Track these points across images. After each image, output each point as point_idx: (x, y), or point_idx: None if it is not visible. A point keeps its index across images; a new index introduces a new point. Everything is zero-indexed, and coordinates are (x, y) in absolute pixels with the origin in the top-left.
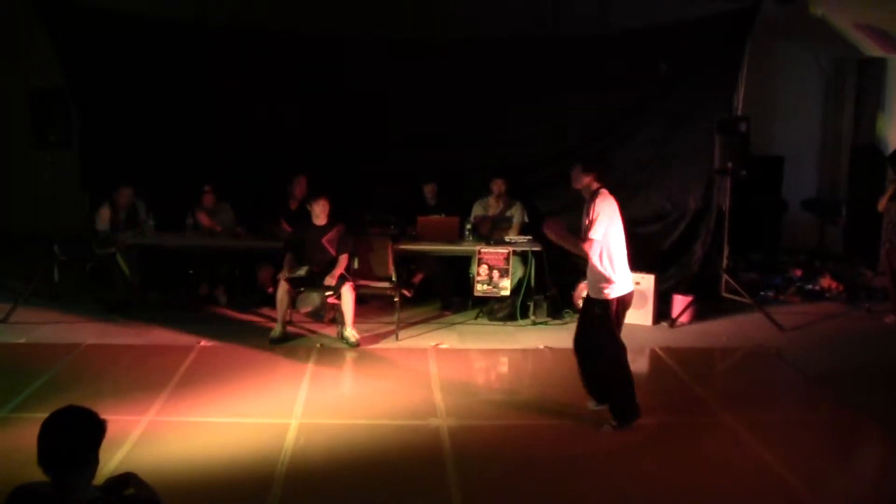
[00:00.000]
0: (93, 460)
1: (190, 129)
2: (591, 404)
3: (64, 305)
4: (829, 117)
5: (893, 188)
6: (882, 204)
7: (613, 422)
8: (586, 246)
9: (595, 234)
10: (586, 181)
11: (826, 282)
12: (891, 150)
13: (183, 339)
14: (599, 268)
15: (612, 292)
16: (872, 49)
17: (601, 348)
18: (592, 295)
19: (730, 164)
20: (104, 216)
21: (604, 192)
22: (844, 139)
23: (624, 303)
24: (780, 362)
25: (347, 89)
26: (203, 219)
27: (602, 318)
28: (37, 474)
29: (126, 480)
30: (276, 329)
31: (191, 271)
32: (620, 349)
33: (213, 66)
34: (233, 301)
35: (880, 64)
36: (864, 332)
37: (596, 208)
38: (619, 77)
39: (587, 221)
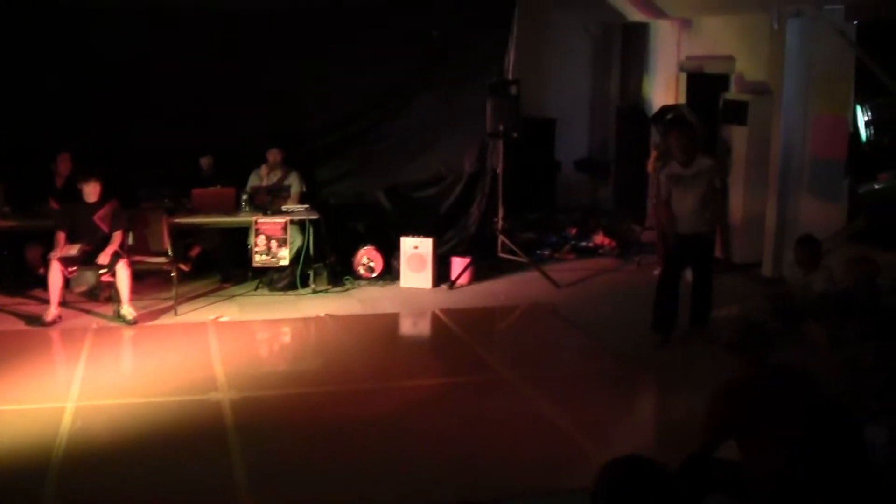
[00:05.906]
0: None
1: None
2: None
3: None
4: (598, 80)
5: (659, 151)
6: (650, 165)
7: None
8: None
9: None
10: None
11: (599, 238)
12: (654, 111)
13: None
14: None
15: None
16: (635, 14)
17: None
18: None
19: (501, 127)
20: None
21: None
22: (612, 101)
23: None
24: (556, 318)
25: (110, 60)
26: None
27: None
28: None
29: None
30: (50, 311)
31: None
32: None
33: None
34: (1, 284)
35: (643, 28)
36: (634, 285)
37: None
38: (393, 45)
39: None
